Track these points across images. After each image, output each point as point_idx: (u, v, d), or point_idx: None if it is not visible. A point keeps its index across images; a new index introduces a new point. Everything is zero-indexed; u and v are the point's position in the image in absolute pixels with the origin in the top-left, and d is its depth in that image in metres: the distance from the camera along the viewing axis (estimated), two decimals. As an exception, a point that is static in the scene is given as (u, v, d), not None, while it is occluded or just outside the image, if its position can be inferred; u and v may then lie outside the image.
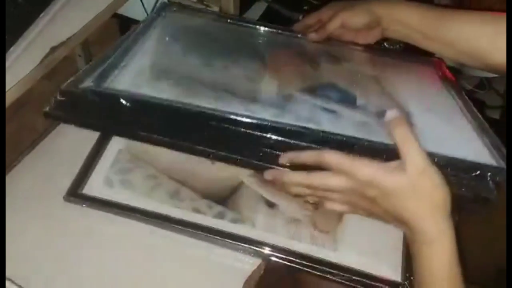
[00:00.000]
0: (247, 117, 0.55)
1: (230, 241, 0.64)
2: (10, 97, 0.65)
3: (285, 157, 0.55)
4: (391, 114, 0.53)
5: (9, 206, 0.66)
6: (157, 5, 0.87)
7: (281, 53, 0.78)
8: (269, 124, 0.55)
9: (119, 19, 1.06)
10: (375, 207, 0.53)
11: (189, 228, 0.65)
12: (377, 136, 0.55)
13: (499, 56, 0.65)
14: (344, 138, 0.55)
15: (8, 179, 0.71)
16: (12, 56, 0.67)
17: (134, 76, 0.62)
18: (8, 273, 0.59)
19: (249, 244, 0.65)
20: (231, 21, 0.83)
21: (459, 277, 0.51)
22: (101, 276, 0.63)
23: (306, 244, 0.66)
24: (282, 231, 0.67)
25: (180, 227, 0.66)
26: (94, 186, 0.69)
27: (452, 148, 0.56)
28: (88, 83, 0.59)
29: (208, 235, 0.65)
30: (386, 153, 0.53)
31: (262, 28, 0.82)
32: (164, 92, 0.58)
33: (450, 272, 0.50)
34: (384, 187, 0.50)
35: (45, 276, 0.62)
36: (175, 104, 0.56)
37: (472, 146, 0.59)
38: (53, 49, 0.69)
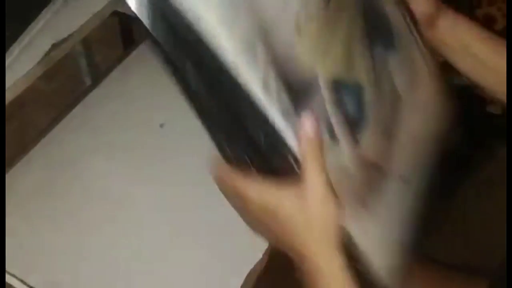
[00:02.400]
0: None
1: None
2: (12, 93, 0.66)
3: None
4: (307, 122, 0.46)
5: (12, 202, 0.66)
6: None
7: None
8: None
9: (119, 17, 1.07)
10: (265, 227, 0.49)
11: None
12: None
13: None
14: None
15: (11, 174, 0.71)
16: (14, 53, 0.68)
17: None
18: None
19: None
20: None
21: None
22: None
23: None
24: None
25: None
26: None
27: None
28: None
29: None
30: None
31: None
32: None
33: None
34: (270, 206, 0.46)
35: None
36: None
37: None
38: (55, 46, 0.70)
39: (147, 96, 0.80)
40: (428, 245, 1.21)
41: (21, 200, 0.69)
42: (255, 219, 0.48)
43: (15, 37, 0.69)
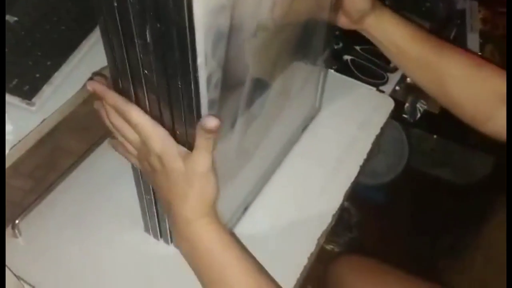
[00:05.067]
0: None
1: None
2: (53, 120, 0.68)
3: (92, 84, 0.56)
4: (211, 120, 0.49)
5: (47, 228, 0.68)
6: None
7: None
8: None
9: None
10: (156, 177, 0.55)
11: None
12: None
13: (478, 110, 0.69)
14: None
15: (48, 200, 0.73)
16: (55, 81, 0.70)
17: None
18: None
19: None
20: None
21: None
22: None
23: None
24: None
25: None
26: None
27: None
28: None
29: None
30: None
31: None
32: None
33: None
34: (167, 165, 0.52)
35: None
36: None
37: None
38: (94, 74, 0.72)
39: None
40: (448, 272, 1.20)
41: (57, 224, 0.71)
42: (148, 163, 0.54)
43: (57, 66, 0.71)
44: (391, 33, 0.72)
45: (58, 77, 0.70)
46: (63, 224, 0.71)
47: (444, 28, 1.11)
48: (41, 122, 0.66)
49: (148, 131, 0.52)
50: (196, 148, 0.51)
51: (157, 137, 0.52)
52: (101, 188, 0.75)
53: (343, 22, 0.74)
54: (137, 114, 0.52)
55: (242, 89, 0.58)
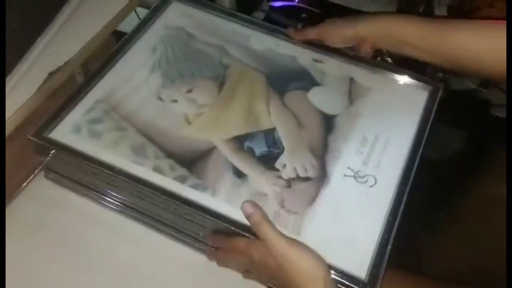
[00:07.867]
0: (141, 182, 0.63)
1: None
2: (10, 125, 0.65)
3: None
4: (247, 209, 0.57)
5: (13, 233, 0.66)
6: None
7: (240, 82, 0.75)
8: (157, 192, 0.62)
9: (117, 35, 1.06)
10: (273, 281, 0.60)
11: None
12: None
13: (500, 68, 0.64)
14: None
15: (16, 203, 0.71)
16: (10, 83, 0.67)
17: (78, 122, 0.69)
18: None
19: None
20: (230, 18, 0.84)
21: None
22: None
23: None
24: (244, 204, 0.62)
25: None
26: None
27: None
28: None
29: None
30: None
31: (254, 31, 0.83)
32: (96, 139, 0.67)
33: None
34: (270, 268, 0.56)
35: None
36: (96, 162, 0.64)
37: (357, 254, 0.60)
38: (51, 75, 0.69)
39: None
40: (426, 246, 1.21)
41: (23, 228, 0.69)
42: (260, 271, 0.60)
43: (11, 67, 0.68)
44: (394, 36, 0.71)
45: (12, 79, 0.67)
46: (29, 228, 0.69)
47: (413, 3, 1.10)
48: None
49: (243, 247, 0.58)
50: (264, 242, 0.56)
51: (253, 246, 0.57)
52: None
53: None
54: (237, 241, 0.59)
55: (217, 152, 0.68)
